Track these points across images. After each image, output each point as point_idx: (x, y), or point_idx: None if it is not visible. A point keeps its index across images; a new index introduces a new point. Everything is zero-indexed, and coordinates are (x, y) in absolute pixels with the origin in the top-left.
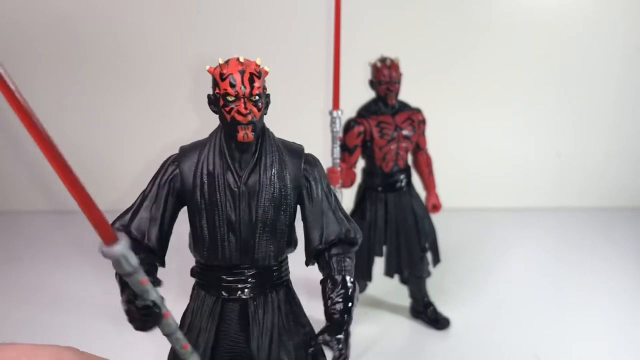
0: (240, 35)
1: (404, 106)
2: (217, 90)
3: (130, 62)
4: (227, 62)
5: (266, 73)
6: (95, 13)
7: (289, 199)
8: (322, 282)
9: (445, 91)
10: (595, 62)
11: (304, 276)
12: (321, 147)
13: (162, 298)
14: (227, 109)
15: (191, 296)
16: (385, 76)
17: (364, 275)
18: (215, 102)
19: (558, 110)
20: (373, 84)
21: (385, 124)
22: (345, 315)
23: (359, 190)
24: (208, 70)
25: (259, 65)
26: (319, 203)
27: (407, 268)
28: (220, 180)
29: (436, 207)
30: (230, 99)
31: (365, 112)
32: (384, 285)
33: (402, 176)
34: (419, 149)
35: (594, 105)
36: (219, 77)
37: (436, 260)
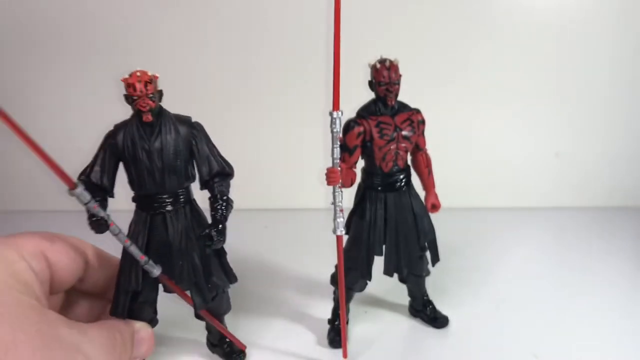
0: (240, 36)
1: (403, 107)
2: (127, 93)
3: (129, 61)
4: (130, 75)
5: (157, 77)
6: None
7: (182, 152)
8: (209, 199)
9: (445, 91)
10: (595, 62)
11: (315, 279)
12: (321, 147)
13: (108, 215)
14: (134, 103)
15: (134, 213)
16: (384, 77)
17: (363, 274)
18: (127, 99)
19: (557, 110)
20: (372, 84)
21: (385, 125)
22: (222, 217)
23: (358, 190)
24: (121, 80)
25: (150, 75)
26: (204, 152)
27: (407, 267)
28: (138, 144)
29: (435, 207)
30: (135, 97)
31: (365, 112)
32: (383, 284)
33: (401, 176)
34: (418, 149)
35: (593, 105)
36: (126, 85)
37: (435, 259)
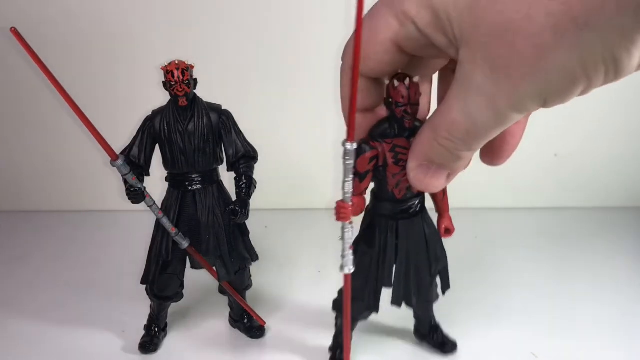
0: (244, 35)
1: (417, 128)
2: (166, 79)
3: (141, 61)
4: (169, 63)
5: (192, 67)
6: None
7: (212, 136)
8: (235, 179)
9: None
10: None
11: (315, 279)
12: (322, 147)
13: (144, 187)
14: (172, 89)
15: (167, 191)
16: (404, 97)
17: (370, 306)
18: (165, 85)
19: (557, 110)
20: (389, 103)
21: (401, 149)
22: (246, 194)
23: (366, 215)
24: (161, 68)
25: (187, 64)
26: (231, 136)
27: (416, 296)
28: (173, 127)
29: (449, 231)
30: (172, 83)
31: (379, 134)
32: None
33: (416, 201)
34: None
35: (593, 105)
36: (165, 72)
37: (446, 286)
